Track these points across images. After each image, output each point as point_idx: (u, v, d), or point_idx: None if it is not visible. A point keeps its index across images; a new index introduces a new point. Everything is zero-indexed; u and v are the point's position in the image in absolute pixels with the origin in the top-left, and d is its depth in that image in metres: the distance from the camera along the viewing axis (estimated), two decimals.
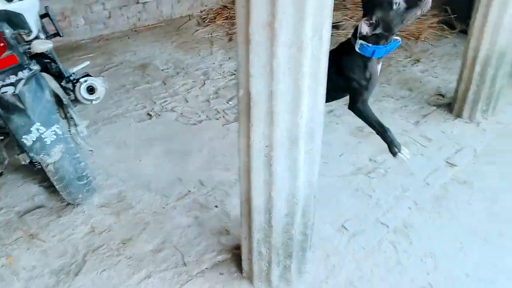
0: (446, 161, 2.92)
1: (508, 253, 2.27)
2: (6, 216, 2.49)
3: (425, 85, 3.88)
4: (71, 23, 4.79)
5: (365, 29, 2.34)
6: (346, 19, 5.19)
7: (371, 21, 2.33)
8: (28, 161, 2.28)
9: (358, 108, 2.61)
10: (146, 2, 5.28)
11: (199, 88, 3.88)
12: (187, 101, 3.67)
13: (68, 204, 2.54)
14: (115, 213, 2.50)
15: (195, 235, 2.36)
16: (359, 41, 2.43)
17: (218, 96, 3.75)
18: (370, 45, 2.42)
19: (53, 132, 2.07)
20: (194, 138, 3.19)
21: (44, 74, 2.17)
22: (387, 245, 2.33)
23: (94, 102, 2.44)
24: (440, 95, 3.71)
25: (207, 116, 3.45)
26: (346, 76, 2.55)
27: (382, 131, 2.57)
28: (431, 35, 4.82)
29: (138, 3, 5.20)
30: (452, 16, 4.91)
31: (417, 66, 4.24)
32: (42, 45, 2.03)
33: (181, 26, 5.33)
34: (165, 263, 2.19)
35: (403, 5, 2.31)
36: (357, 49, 2.46)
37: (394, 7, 2.30)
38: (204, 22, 5.41)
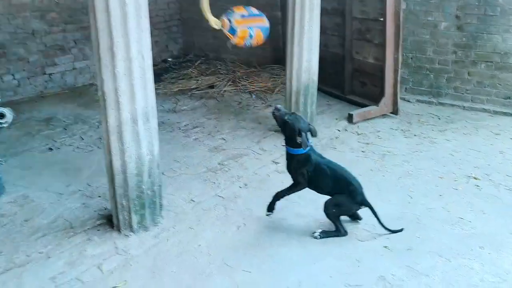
0: (272, 161, 4.11)
1: (302, 205, 3.39)
2: None
3: (271, 120, 5.09)
4: None
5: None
6: (219, 81, 6.55)
7: None
8: None
9: None
10: (52, 73, 6.28)
11: (94, 130, 4.86)
12: (82, 139, 4.62)
13: None
14: (19, 205, 3.33)
15: (82, 213, 3.25)
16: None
17: None
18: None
19: None
20: (86, 160, 4.12)
21: None
22: (220, 207, 3.38)
23: (3, 125, 3.37)
24: None
25: (98, 147, 4.41)
26: None
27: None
28: (283, 88, 6.25)
29: (44, 74, 6.19)
30: None
31: (268, 109, 5.57)
32: None
33: (83, 92, 6.35)
34: (57, 228, 3.05)
35: None
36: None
37: None
38: None
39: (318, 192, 3.13)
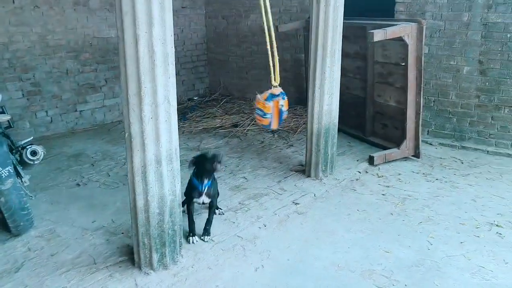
0: (292, 201, 4.15)
1: (320, 248, 3.42)
2: None
3: (292, 160, 5.25)
4: (18, 126, 5.90)
5: None
6: (243, 120, 6.70)
7: None
8: None
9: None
10: (83, 110, 6.56)
11: (120, 167, 5.01)
12: (109, 175, 4.77)
13: (11, 236, 3.46)
14: (46, 240, 3.45)
15: (105, 249, 3.34)
16: None
17: None
18: None
19: (7, 170, 3.14)
20: (111, 197, 4.25)
21: (3, 136, 3.28)
22: (239, 247, 3.42)
23: (35, 162, 3.54)
24: (301, 165, 5.05)
25: (123, 184, 4.55)
26: None
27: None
28: (305, 129, 6.33)
29: (76, 111, 6.47)
30: None
31: (289, 148, 5.66)
32: (3, 117, 3.20)
33: (111, 128, 6.59)
34: (81, 263, 3.15)
35: None
36: None
37: None
38: None
39: None
